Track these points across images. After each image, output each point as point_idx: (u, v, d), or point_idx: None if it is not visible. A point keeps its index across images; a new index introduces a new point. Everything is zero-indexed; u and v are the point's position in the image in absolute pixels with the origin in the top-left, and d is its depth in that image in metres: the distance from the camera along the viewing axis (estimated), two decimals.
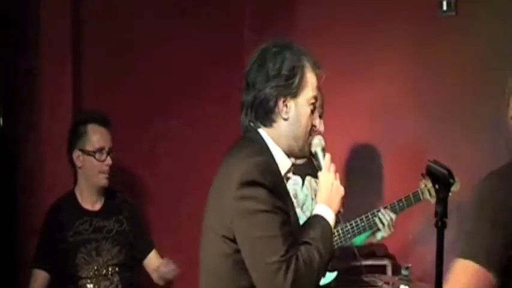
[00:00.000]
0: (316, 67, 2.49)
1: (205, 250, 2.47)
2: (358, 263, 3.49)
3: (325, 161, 2.55)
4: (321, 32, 4.53)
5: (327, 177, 2.52)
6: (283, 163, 2.46)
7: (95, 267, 3.64)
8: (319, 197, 2.50)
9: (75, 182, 3.75)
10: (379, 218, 3.66)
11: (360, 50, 4.35)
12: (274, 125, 2.44)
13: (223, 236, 2.34)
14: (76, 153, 3.68)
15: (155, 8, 4.47)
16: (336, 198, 2.49)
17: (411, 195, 3.69)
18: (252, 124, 2.46)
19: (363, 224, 3.68)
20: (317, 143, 2.56)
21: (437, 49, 4.10)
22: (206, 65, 4.65)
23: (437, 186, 2.16)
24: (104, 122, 3.71)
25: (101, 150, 3.67)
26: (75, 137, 3.68)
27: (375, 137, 4.36)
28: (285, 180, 2.47)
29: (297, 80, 2.42)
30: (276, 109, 2.41)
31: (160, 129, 4.48)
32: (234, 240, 2.33)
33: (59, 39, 4.04)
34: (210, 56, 4.66)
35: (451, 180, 2.14)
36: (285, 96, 2.41)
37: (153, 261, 3.84)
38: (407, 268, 3.94)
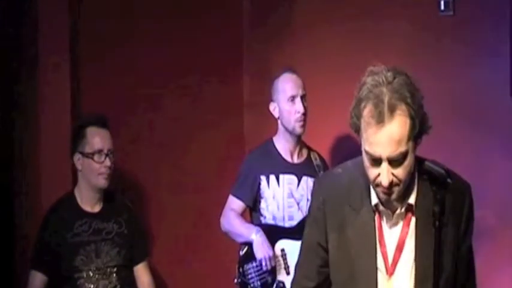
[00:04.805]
0: None
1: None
2: None
3: None
4: (319, 30, 4.54)
5: None
6: None
7: (94, 269, 3.64)
8: None
9: (75, 183, 3.76)
10: None
11: (356, 49, 4.33)
12: None
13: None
14: (76, 157, 3.69)
15: (153, 7, 4.47)
16: None
17: None
18: None
19: None
20: None
21: (435, 49, 4.09)
22: (206, 63, 4.64)
23: (434, 188, 2.15)
24: (102, 123, 3.72)
25: (99, 152, 3.67)
26: (75, 140, 3.71)
27: None
28: None
29: None
30: None
31: (161, 131, 4.47)
32: None
33: (58, 41, 4.04)
34: (210, 53, 4.66)
35: (448, 180, 2.13)
36: None
37: (140, 273, 3.83)
38: None
